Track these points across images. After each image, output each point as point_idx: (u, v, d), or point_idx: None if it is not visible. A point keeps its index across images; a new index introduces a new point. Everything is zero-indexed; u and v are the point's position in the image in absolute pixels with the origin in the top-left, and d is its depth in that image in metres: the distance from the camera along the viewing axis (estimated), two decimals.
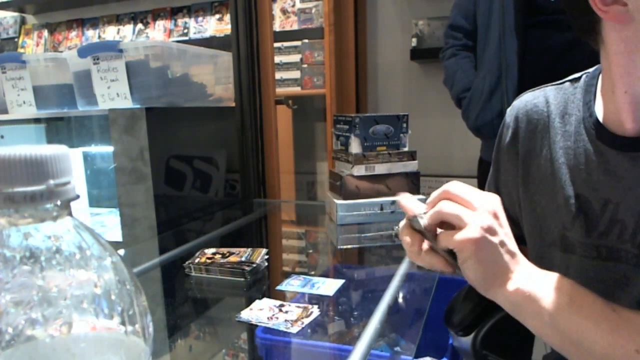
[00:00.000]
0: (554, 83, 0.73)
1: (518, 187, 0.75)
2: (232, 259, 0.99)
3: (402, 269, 0.94)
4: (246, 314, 0.79)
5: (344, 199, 1.30)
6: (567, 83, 0.72)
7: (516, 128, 0.74)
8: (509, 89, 1.37)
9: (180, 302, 0.95)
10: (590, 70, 0.69)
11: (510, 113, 0.76)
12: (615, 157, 0.61)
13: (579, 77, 0.70)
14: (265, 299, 0.84)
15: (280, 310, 0.80)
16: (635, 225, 0.59)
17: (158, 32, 2.84)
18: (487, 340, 0.80)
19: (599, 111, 0.65)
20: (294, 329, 0.74)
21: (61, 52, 1.97)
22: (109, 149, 1.42)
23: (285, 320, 0.76)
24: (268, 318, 0.77)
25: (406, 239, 0.60)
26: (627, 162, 0.60)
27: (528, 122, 0.72)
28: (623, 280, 0.62)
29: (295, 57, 2.53)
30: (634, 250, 0.60)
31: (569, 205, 0.66)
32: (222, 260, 0.98)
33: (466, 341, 0.80)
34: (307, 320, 0.76)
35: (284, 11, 2.55)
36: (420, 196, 1.34)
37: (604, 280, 0.63)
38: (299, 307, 0.81)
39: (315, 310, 0.79)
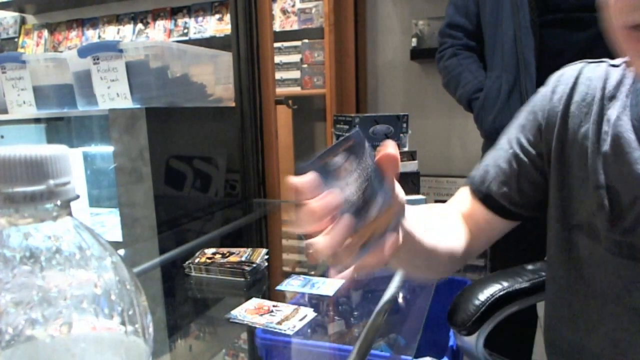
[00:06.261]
0: (591, 60, 0.68)
1: (549, 156, 0.68)
2: (232, 259, 0.99)
3: None
4: (241, 315, 0.79)
5: None
6: (606, 64, 0.66)
7: (571, 93, 0.66)
8: (528, 89, 1.32)
9: (180, 302, 0.94)
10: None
11: (571, 74, 0.68)
12: None
13: (617, 63, 0.65)
14: (263, 300, 0.84)
15: (280, 310, 0.80)
16: None
17: (158, 32, 2.84)
18: (490, 340, 0.81)
19: None
20: (294, 329, 0.74)
21: (61, 52, 1.97)
22: (109, 149, 1.42)
23: (285, 321, 0.76)
24: (267, 318, 0.77)
25: None
26: None
27: (584, 94, 0.65)
28: None
29: (295, 57, 2.53)
30: None
31: (597, 194, 0.60)
32: (222, 260, 0.98)
33: (469, 340, 0.80)
34: (306, 320, 0.76)
35: (284, 11, 2.55)
36: (420, 196, 1.33)
37: (622, 277, 0.59)
38: (298, 307, 0.81)
39: (314, 311, 0.79)
